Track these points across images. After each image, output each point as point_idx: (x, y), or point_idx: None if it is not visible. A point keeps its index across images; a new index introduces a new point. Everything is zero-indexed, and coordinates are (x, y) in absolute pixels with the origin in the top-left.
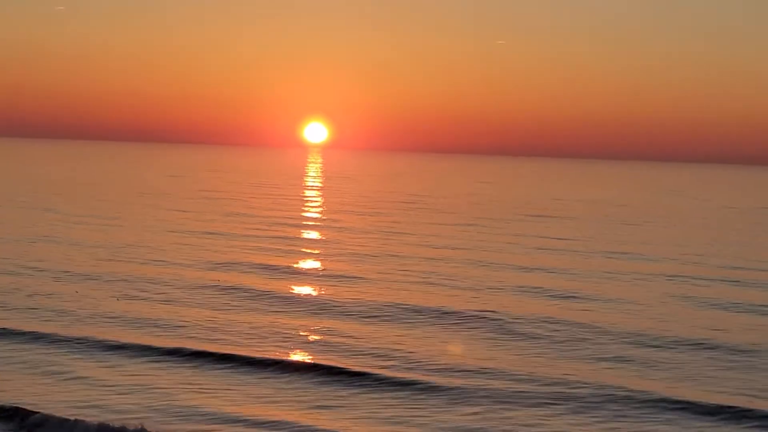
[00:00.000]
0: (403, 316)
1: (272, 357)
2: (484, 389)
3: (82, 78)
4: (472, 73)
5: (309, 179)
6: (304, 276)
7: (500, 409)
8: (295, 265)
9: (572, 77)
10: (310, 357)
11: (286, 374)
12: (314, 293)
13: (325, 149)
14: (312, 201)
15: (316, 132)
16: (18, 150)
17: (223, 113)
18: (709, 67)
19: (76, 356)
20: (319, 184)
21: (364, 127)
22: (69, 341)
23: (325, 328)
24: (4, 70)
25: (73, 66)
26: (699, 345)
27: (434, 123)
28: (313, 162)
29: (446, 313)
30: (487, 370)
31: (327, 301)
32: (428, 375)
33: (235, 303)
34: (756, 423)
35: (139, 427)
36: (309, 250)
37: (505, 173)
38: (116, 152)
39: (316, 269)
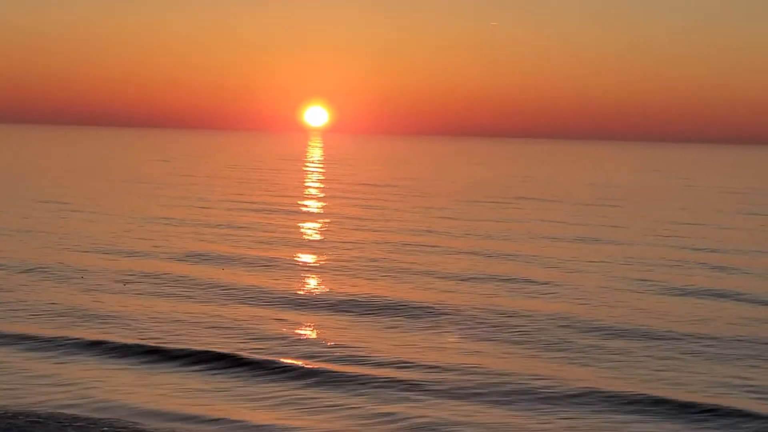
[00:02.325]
0: (341, 307)
1: (200, 349)
2: (404, 380)
3: (82, 63)
4: (473, 55)
5: (297, 163)
6: (257, 265)
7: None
8: (250, 254)
9: (573, 60)
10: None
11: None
12: (267, 285)
13: (326, 133)
14: (293, 186)
15: (316, 116)
16: (14, 136)
17: (223, 97)
18: (706, 47)
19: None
20: (307, 169)
21: (365, 110)
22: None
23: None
24: (5, 56)
25: (73, 51)
26: (638, 333)
27: (437, 105)
28: (311, 146)
29: (385, 302)
30: (412, 361)
31: (291, 294)
32: (367, 368)
33: (176, 294)
34: (695, 417)
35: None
36: (267, 238)
37: (502, 156)
38: (112, 138)
39: (268, 258)
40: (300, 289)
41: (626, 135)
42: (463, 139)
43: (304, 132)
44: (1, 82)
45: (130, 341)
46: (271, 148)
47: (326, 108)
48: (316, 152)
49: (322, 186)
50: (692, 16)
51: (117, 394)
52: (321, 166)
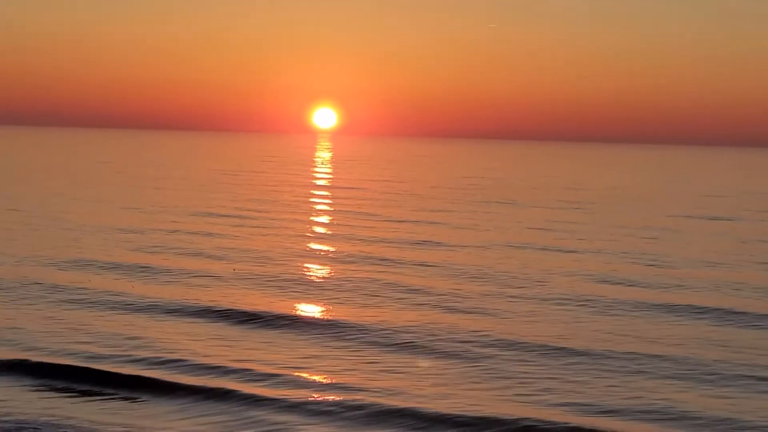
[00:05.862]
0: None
1: None
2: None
3: (86, 65)
4: (484, 57)
5: (282, 166)
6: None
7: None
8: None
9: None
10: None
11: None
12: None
13: (335, 135)
14: (256, 189)
15: (325, 117)
16: (18, 138)
17: (231, 99)
18: (707, 49)
19: None
20: (288, 171)
21: (374, 112)
22: None
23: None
24: (5, 57)
25: (77, 53)
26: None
27: (444, 107)
28: (311, 147)
29: (287, 317)
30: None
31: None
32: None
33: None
34: None
35: None
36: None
37: (506, 158)
38: (112, 140)
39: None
40: (178, 297)
41: (628, 137)
42: (468, 141)
43: (312, 134)
44: (5, 83)
45: None
46: (269, 149)
47: (335, 110)
48: (311, 154)
49: (286, 189)
50: (692, 18)
51: None
52: (303, 167)
